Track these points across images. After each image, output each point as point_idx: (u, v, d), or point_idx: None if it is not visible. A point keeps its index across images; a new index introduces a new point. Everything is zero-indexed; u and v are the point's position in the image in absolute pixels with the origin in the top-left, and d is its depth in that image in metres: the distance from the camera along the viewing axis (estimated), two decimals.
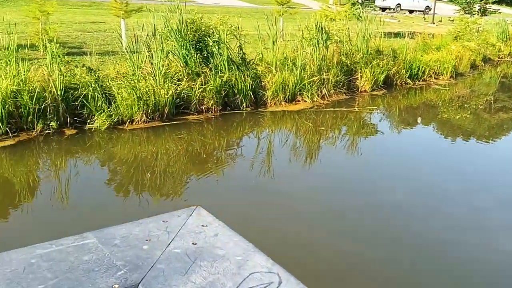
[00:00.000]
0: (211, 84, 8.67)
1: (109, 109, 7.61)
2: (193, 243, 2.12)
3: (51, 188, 5.83)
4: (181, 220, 2.10)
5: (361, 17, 13.05)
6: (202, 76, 8.70)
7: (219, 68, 8.98)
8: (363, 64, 11.39)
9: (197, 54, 8.93)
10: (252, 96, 9.30)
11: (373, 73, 11.44)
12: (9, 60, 7.31)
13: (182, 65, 8.77)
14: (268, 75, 9.68)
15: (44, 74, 7.41)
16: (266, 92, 9.54)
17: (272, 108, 9.53)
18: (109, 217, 5.06)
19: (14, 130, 6.98)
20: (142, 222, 2.01)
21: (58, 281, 2.14)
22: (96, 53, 9.01)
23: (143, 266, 2.36)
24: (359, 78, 11.35)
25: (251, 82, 9.20)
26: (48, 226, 4.91)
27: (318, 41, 10.41)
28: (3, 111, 6.75)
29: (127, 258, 2.21)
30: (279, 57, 10.01)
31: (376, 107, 10.66)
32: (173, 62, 8.85)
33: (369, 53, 11.73)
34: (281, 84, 9.56)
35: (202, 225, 2.27)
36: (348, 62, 11.22)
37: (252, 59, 10.02)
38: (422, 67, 13.24)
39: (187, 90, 8.51)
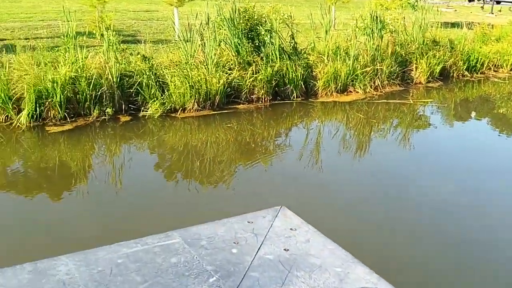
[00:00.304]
0: (262, 74, 8.61)
1: (162, 97, 7.72)
2: (285, 249, 1.95)
3: (105, 172, 5.99)
4: (267, 221, 1.99)
5: (416, 6, 12.57)
6: (253, 65, 8.65)
7: (270, 57, 8.90)
8: (418, 55, 10.99)
9: (248, 43, 8.89)
10: (303, 86, 9.18)
11: (429, 64, 11.01)
12: (68, 47, 7.53)
13: (233, 54, 8.76)
14: (320, 65, 9.51)
15: (100, 62, 7.59)
16: (317, 82, 9.39)
17: (323, 99, 9.37)
18: (158, 202, 5.22)
19: (72, 115, 7.21)
20: (226, 222, 1.89)
21: (149, 286, 2.04)
22: (150, 41, 9.14)
23: (235, 273, 2.22)
24: (414, 70, 10.96)
25: (302, 72, 9.07)
26: (101, 208, 5.07)
27: (372, 30, 10.12)
28: (62, 97, 6.98)
29: (217, 263, 2.02)
30: (332, 47, 9.81)
31: (431, 100, 10.27)
32: (224, 51, 8.85)
33: (425, 43, 11.29)
34: (333, 74, 9.37)
35: (291, 229, 2.09)
36: (403, 52, 10.85)
37: (303, 48, 9.87)
38: (481, 59, 12.61)
39: (238, 79, 8.50)
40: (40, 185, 5.63)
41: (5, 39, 9.88)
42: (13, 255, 4.02)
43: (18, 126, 6.84)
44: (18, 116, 6.88)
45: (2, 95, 6.84)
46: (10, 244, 4.26)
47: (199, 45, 8.50)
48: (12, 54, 7.88)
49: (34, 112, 6.91)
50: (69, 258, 1.62)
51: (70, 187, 5.54)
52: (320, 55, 9.76)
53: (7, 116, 7.00)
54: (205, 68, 8.16)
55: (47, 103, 6.97)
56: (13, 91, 6.96)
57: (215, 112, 8.14)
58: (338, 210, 5.18)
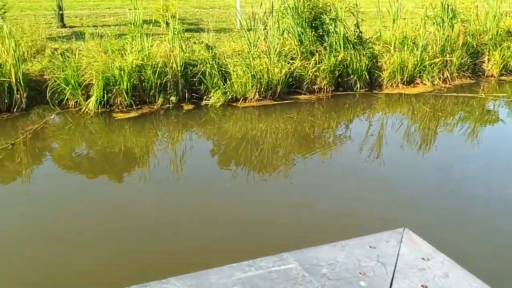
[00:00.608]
0: (325, 64, 8.42)
1: (224, 86, 7.72)
2: (422, 286, 1.58)
3: (167, 159, 6.09)
4: (392, 247, 1.73)
5: None
6: (316, 55, 8.47)
7: (334, 47, 8.67)
8: (491, 46, 10.34)
9: (312, 32, 8.69)
10: (367, 77, 8.89)
11: (503, 56, 10.34)
12: (135, 36, 7.67)
13: (296, 43, 8.61)
14: (386, 55, 9.17)
15: (166, 50, 7.69)
16: (382, 73, 9.06)
17: (387, 90, 9.04)
18: (217, 190, 5.25)
19: (138, 103, 7.37)
20: (345, 245, 1.65)
21: None
22: (212, 30, 9.15)
23: None
24: (486, 61, 10.33)
25: (366, 62, 8.78)
26: (162, 194, 5.15)
27: (442, 19, 9.62)
28: (128, 84, 7.14)
29: None
30: (399, 36, 9.42)
31: (504, 95, 9.65)
32: (287, 40, 8.71)
33: (498, 34, 10.60)
34: (399, 65, 9.01)
35: (423, 258, 1.76)
36: (475, 43, 10.25)
37: (369, 37, 9.55)
38: None
39: (300, 69, 8.35)
40: (105, 169, 5.82)
41: (75, 26, 10.24)
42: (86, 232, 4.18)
43: (87, 112, 7.08)
44: (87, 102, 7.11)
45: (73, 81, 7.08)
46: (79, 222, 4.41)
47: (262, 34, 8.42)
48: (81, 41, 8.15)
49: (102, 99, 7.12)
50: (180, 281, 1.48)
51: (133, 172, 5.69)
52: (386, 45, 9.41)
53: (77, 101, 7.25)
54: (268, 57, 8.07)
55: (114, 90, 7.15)
56: (82, 78, 7.20)
57: (275, 102, 8.05)
58: (401, 204, 4.98)
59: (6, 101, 6.95)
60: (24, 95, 7.04)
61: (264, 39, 8.40)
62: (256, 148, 6.49)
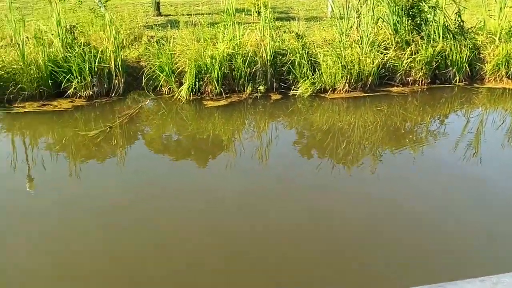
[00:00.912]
0: (421, 54, 7.95)
1: (313, 77, 7.58)
2: None
3: (253, 148, 6.12)
4: None
5: None
6: (413, 45, 8.02)
7: (432, 36, 8.16)
8: None
9: (408, 20, 8.24)
10: (468, 69, 8.28)
11: None
12: (227, 24, 7.75)
13: (391, 32, 8.21)
14: (490, 46, 8.46)
15: (256, 39, 7.69)
16: (485, 66, 8.38)
17: (490, 84, 8.36)
18: (300, 181, 5.14)
19: (227, 91, 7.46)
20: (497, 281, 1.30)
21: None
22: (303, 19, 9.00)
23: None
24: None
25: (467, 54, 8.16)
26: (246, 182, 5.18)
27: None
28: (219, 73, 7.24)
29: None
30: (505, 26, 8.64)
31: None
32: (381, 29, 8.34)
33: None
34: (505, 57, 8.26)
35: None
36: None
37: (471, 27, 8.87)
38: None
39: (393, 60, 7.97)
40: (193, 154, 6.01)
41: (170, 15, 10.59)
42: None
43: (179, 98, 7.29)
44: (179, 89, 7.33)
45: (167, 68, 7.33)
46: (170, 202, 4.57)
47: (354, 22, 8.13)
48: (176, 29, 8.39)
49: (194, 86, 7.29)
50: None
51: (219, 159, 5.81)
52: (491, 35, 8.67)
53: (170, 88, 7.50)
54: (359, 47, 7.78)
55: (205, 78, 7.30)
56: (176, 66, 7.42)
57: (366, 94, 7.76)
58: (497, 212, 4.58)
59: (105, 86, 7.36)
60: (122, 80, 7.41)
61: (357, 28, 8.10)
62: (342, 141, 6.31)
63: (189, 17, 8.38)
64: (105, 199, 4.79)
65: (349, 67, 7.58)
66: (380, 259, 3.92)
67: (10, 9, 7.43)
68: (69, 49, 7.18)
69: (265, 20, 7.69)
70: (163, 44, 7.64)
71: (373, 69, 7.69)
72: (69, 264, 3.81)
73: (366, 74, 7.71)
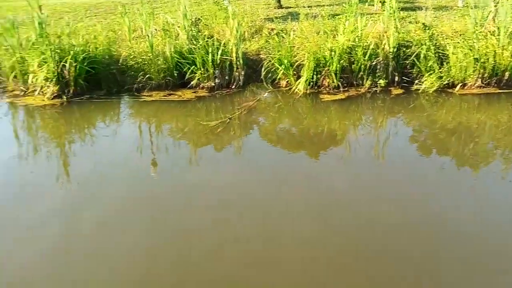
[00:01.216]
0: None
1: (440, 70, 7.06)
2: None
3: (368, 145, 5.86)
4: None
5: None
6: None
7: None
8: None
9: None
10: None
11: None
12: (348, 16, 7.52)
13: None
14: None
15: (379, 30, 7.36)
16: None
17: None
18: (421, 187, 4.80)
19: (345, 85, 7.26)
20: None
21: None
22: (431, 8, 8.42)
23: None
24: None
25: None
26: (359, 180, 4.98)
27: None
28: (337, 66, 7.07)
29: None
30: None
31: None
32: None
33: None
34: None
35: None
36: None
37: None
38: None
39: None
40: (307, 147, 5.94)
41: (290, 7, 10.61)
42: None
43: (296, 92, 7.27)
44: (297, 83, 7.31)
45: (286, 61, 7.34)
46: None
47: (491, 12, 7.39)
48: (296, 21, 8.37)
49: (311, 80, 7.21)
50: None
51: (332, 154, 5.66)
52: None
53: (288, 81, 7.50)
54: (496, 39, 7.06)
55: (323, 71, 7.18)
56: (295, 58, 7.39)
57: (501, 91, 7.05)
58: None
59: (226, 78, 7.59)
60: (242, 73, 7.59)
61: (493, 18, 7.36)
62: (470, 142, 5.78)
63: (309, 9, 8.31)
64: (223, 185, 4.93)
65: (482, 61, 6.93)
66: None
67: (142, 2, 7.99)
68: (193, 41, 7.53)
69: (390, 10, 7.32)
70: (283, 37, 7.66)
71: (511, 63, 6.94)
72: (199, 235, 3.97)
73: (503, 69, 7.00)
